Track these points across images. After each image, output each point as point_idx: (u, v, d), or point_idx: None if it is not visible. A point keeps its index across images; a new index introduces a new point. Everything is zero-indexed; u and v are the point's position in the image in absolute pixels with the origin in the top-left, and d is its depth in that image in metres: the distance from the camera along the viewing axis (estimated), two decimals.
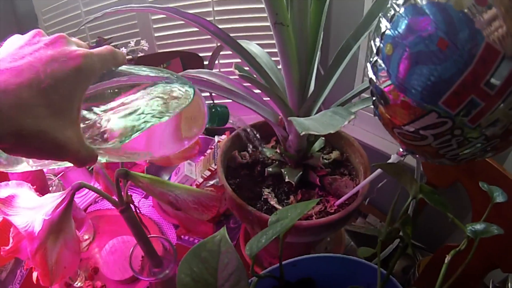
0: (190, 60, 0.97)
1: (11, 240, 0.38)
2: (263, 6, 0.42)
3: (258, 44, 0.61)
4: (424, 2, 0.24)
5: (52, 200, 0.39)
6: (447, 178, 0.61)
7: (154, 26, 0.98)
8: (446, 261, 0.33)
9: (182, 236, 0.68)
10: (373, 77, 0.29)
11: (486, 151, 0.29)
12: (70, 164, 0.25)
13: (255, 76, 0.52)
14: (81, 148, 0.24)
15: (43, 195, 0.58)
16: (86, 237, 0.67)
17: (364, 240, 0.78)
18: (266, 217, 0.49)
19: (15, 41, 0.25)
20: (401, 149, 0.39)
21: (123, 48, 0.81)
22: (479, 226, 0.33)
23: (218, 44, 0.67)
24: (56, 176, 0.62)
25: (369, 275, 0.40)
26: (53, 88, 0.22)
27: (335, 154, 0.63)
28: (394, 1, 0.26)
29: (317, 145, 0.64)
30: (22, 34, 0.25)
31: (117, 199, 0.44)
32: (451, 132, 0.26)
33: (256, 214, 0.49)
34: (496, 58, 0.22)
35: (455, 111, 0.25)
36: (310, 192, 0.57)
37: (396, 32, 0.25)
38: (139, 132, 0.27)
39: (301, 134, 0.28)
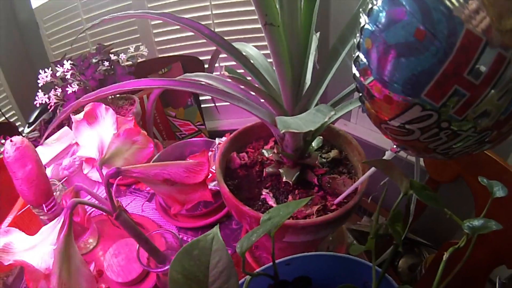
0: (191, 63, 0.98)
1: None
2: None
3: (257, 45, 0.60)
4: None
5: (52, 228, 0.38)
6: (449, 174, 0.60)
7: (154, 31, 0.99)
8: (444, 258, 0.32)
9: (180, 237, 0.68)
10: (356, 73, 0.28)
11: (481, 144, 0.28)
12: None
13: (249, 78, 0.52)
14: None
15: (47, 200, 0.59)
16: (90, 240, 0.67)
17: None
18: (258, 217, 0.48)
19: None
20: (394, 146, 0.38)
21: (123, 54, 0.81)
22: (477, 222, 0.31)
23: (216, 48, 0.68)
24: (60, 181, 0.63)
25: (366, 273, 0.39)
26: None
27: (333, 153, 0.62)
28: None
29: (315, 144, 0.63)
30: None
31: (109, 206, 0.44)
32: (438, 125, 0.25)
33: (251, 214, 0.49)
34: (478, 46, 0.21)
35: (439, 103, 0.24)
36: (308, 191, 0.56)
37: (374, 26, 0.25)
38: None
39: (281, 132, 0.27)
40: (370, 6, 0.25)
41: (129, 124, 0.52)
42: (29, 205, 0.60)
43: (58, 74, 0.76)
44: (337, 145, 0.64)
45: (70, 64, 0.75)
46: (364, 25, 0.26)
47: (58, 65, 0.77)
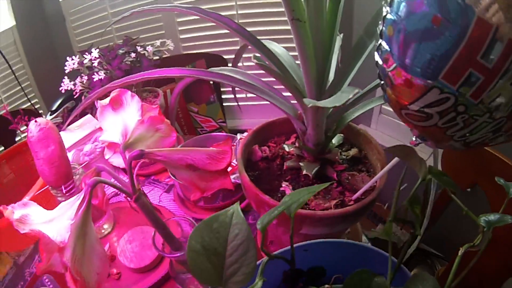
0: (215, 61, 1.02)
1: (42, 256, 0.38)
2: (282, 9, 0.45)
3: (278, 39, 0.64)
4: None
5: (71, 204, 0.39)
6: (465, 180, 0.61)
7: (180, 28, 1.04)
8: (460, 253, 0.33)
9: None
10: (379, 60, 0.31)
11: (496, 134, 0.30)
12: None
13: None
14: None
15: (67, 182, 0.61)
16: (105, 226, 0.70)
17: (384, 246, 0.78)
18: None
19: None
20: (413, 138, 0.40)
21: (150, 46, 0.86)
22: (492, 217, 0.33)
23: (242, 44, 0.71)
24: (80, 165, 0.66)
25: (381, 263, 0.41)
26: None
27: (353, 151, 0.65)
28: None
29: (336, 141, 0.66)
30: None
31: (129, 189, 0.45)
32: (455, 109, 0.28)
33: (271, 203, 0.51)
34: (489, 32, 0.24)
35: (455, 86, 0.27)
36: (327, 186, 0.59)
37: (396, 15, 0.28)
38: None
39: (309, 106, 0.30)
40: None
41: (154, 112, 0.53)
42: (47, 186, 0.63)
43: (85, 61, 0.81)
44: (357, 144, 0.66)
45: (98, 52, 0.80)
46: (386, 15, 0.29)
47: (86, 53, 0.81)
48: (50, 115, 0.92)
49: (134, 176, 0.44)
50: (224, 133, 0.86)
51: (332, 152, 0.61)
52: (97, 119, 0.86)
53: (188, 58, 1.06)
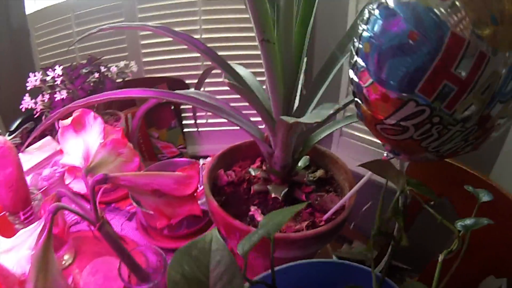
0: (176, 85, 1.02)
1: None
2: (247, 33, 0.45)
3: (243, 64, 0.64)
4: (394, 4, 0.28)
5: (31, 232, 0.37)
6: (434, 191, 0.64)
7: (143, 51, 1.03)
8: (440, 259, 0.33)
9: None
10: (354, 77, 0.32)
11: (466, 142, 0.31)
12: None
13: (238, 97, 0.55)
14: None
15: (25, 207, 0.57)
16: (66, 257, 0.64)
17: None
18: (249, 231, 0.49)
19: None
20: (385, 154, 0.41)
21: (114, 66, 0.84)
22: (468, 221, 0.33)
23: (205, 69, 0.71)
24: (39, 190, 0.62)
25: (363, 279, 0.40)
26: None
27: (319, 173, 0.65)
28: (369, 6, 0.30)
29: (302, 163, 0.66)
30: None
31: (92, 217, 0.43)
32: (430, 120, 0.29)
33: (242, 228, 0.49)
34: (462, 45, 0.26)
35: (431, 98, 0.28)
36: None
37: (372, 32, 0.29)
38: None
39: (291, 122, 0.30)
40: (367, 15, 0.29)
41: (116, 134, 0.52)
42: (4, 212, 0.59)
43: (48, 79, 0.77)
44: (322, 165, 0.67)
45: (61, 70, 0.76)
46: (362, 32, 0.30)
47: (50, 70, 0.77)
48: (9, 135, 0.85)
49: (97, 199, 0.42)
50: (187, 159, 0.83)
51: (299, 174, 0.61)
52: (57, 142, 0.81)
53: (150, 82, 1.04)
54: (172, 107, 1.22)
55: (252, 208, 0.57)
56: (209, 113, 1.30)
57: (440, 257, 0.33)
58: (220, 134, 1.29)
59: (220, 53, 0.54)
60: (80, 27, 1.04)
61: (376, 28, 0.29)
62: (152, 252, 0.53)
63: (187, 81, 1.06)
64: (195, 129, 1.28)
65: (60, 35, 1.06)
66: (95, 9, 1.00)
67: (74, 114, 0.51)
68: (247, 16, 0.44)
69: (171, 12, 1.02)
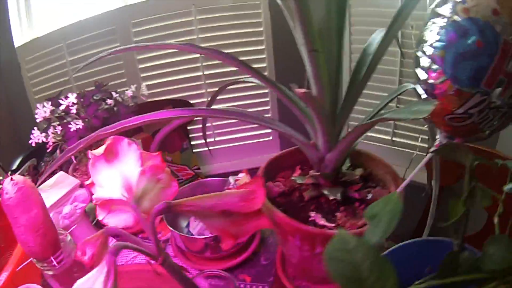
0: (181, 106, 1.09)
1: None
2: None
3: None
4: (462, 20, 0.44)
5: (92, 282, 0.38)
6: (451, 177, 0.80)
7: (142, 75, 1.10)
8: (495, 221, 0.43)
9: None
10: (423, 76, 0.47)
11: (509, 120, 0.48)
12: None
13: None
14: None
15: (55, 251, 0.57)
16: None
17: None
18: (330, 233, 0.58)
19: None
20: (437, 142, 0.55)
21: (129, 91, 0.89)
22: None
23: (221, 86, 0.80)
24: (66, 231, 0.63)
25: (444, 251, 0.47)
26: None
27: (358, 171, 0.75)
28: (434, 20, 0.45)
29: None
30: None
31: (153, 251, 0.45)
32: (489, 106, 0.44)
33: (316, 232, 0.59)
34: (511, 49, 0.41)
35: (491, 89, 0.43)
36: (351, 206, 0.68)
37: (445, 41, 0.45)
38: None
39: (407, 119, 0.42)
40: (437, 29, 0.45)
41: (154, 159, 0.52)
42: (31, 259, 0.57)
43: (61, 108, 0.79)
44: (359, 164, 0.77)
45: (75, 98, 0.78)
46: (433, 42, 0.46)
47: (62, 99, 0.79)
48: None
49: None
50: (218, 178, 0.92)
51: (348, 174, 0.72)
52: (73, 176, 0.84)
53: (155, 105, 1.11)
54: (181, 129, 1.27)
55: (312, 214, 0.66)
56: (216, 131, 1.42)
57: (495, 219, 0.44)
58: (226, 151, 1.38)
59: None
60: (73, 56, 1.09)
61: (448, 37, 0.45)
62: (216, 276, 0.58)
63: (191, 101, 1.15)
64: (204, 149, 1.34)
65: (53, 66, 1.10)
66: (88, 36, 1.06)
67: (107, 142, 0.51)
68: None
69: (165, 33, 1.11)
